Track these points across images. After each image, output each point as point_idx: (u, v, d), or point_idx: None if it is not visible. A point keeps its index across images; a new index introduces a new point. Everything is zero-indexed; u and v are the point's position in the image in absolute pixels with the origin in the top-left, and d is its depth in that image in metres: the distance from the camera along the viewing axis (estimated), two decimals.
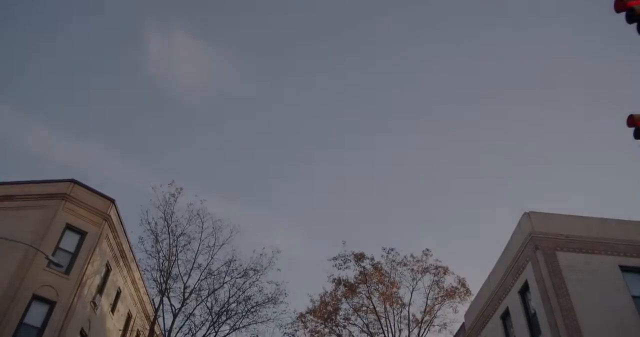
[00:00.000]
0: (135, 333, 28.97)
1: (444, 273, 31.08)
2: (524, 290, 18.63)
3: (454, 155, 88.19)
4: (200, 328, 27.59)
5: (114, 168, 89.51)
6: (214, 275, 28.01)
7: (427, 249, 31.82)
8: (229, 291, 28.27)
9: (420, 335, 30.18)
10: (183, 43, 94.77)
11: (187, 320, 27.29)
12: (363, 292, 31.17)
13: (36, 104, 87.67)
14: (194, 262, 27.63)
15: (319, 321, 31.11)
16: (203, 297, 27.73)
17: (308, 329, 31.15)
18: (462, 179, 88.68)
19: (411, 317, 30.55)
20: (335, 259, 31.88)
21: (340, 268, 31.75)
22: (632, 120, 9.80)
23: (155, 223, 27.16)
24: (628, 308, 15.91)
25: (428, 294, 30.72)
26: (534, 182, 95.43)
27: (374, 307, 30.58)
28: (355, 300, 31.34)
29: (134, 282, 27.53)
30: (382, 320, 30.38)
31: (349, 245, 48.13)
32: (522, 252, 18.59)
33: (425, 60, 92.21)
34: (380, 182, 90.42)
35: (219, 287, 28.05)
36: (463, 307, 29.11)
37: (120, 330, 26.81)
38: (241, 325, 28.24)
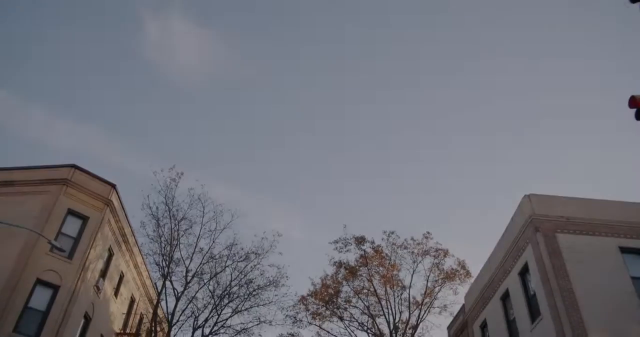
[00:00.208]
0: (138, 316, 29.29)
1: (444, 256, 31.26)
2: (524, 272, 18.78)
3: (453, 138, 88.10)
4: (202, 311, 27.92)
5: (114, 153, 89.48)
6: (216, 259, 28.22)
7: (428, 232, 31.96)
8: (231, 275, 28.54)
9: (421, 317, 30.50)
10: (181, 27, 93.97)
11: (189, 303, 27.59)
12: (364, 275, 31.40)
13: (35, 90, 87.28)
14: (195, 247, 27.83)
15: (320, 303, 31.39)
16: (205, 281, 27.99)
17: (309, 312, 31.46)
18: (462, 161, 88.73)
19: (412, 299, 30.84)
20: (336, 242, 32.05)
21: (341, 251, 31.95)
22: (634, 102, 9.76)
23: (157, 208, 27.27)
24: (627, 289, 16.04)
25: (428, 277, 30.96)
26: (534, 164, 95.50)
27: (375, 290, 30.83)
28: (356, 283, 31.59)
29: (136, 266, 27.73)
30: (383, 302, 30.66)
31: (350, 229, 48.46)
32: (522, 234, 18.69)
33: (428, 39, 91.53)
34: (379, 166, 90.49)
35: (221, 271, 28.28)
36: (463, 289, 29.38)
37: (123, 313, 27.09)
38: (243, 308, 28.58)
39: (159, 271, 26.92)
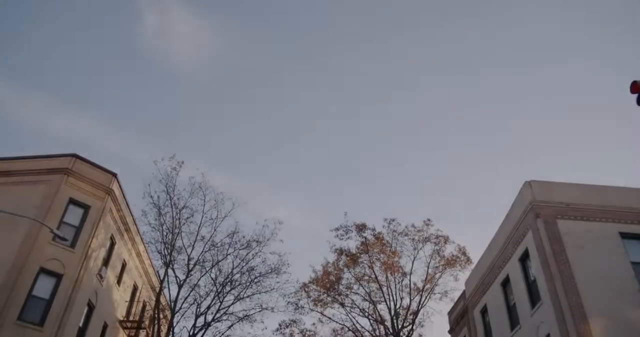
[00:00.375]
0: (141, 304, 29.50)
1: (445, 242, 31.35)
2: (524, 257, 18.88)
3: (454, 122, 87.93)
4: (205, 299, 28.08)
5: (114, 143, 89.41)
6: (218, 247, 28.30)
7: (428, 219, 32.00)
8: (233, 262, 28.65)
9: (422, 303, 30.69)
10: (180, 15, 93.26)
11: (192, 291, 27.74)
12: (365, 262, 31.52)
13: (34, 78, 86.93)
14: (197, 235, 27.89)
15: (321, 290, 31.57)
16: (207, 269, 28.12)
17: (311, 298, 31.65)
18: (462, 146, 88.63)
19: (412, 285, 30.99)
20: (337, 229, 32.12)
21: (342, 239, 32.03)
22: (635, 87, 9.73)
23: (158, 197, 27.27)
24: (627, 274, 16.15)
25: (429, 263, 31.07)
26: (535, 150, 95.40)
27: (376, 277, 30.98)
28: (357, 269, 31.72)
29: (138, 254, 27.87)
30: (384, 289, 30.84)
31: (351, 216, 48.49)
32: (522, 220, 18.75)
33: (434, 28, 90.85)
34: (379, 153, 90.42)
35: (223, 259, 28.40)
36: (464, 276, 29.52)
37: (126, 301, 27.28)
38: (245, 295, 28.73)
39: (161, 259, 27.05)
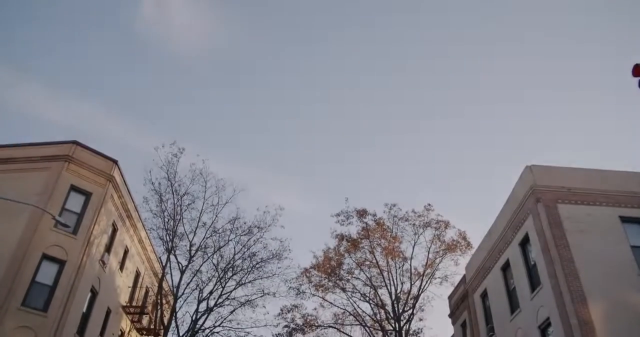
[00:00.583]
0: (144, 290, 29.72)
1: (445, 227, 31.40)
2: (525, 242, 18.95)
3: (454, 108, 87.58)
4: (207, 284, 28.26)
5: (114, 130, 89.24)
6: (219, 233, 28.40)
7: (429, 204, 32.03)
8: (234, 248, 28.77)
9: (422, 287, 30.86)
10: (180, 1, 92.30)
11: (194, 276, 27.91)
12: (366, 247, 31.63)
13: (33, 66, 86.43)
14: (198, 221, 27.98)
15: (323, 275, 31.73)
16: (209, 255, 28.25)
17: (312, 284, 31.82)
18: (462, 132, 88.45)
19: (413, 270, 31.14)
20: (338, 215, 32.17)
21: (343, 224, 32.10)
22: (638, 71, 9.66)
23: (159, 183, 27.30)
24: (627, 258, 16.23)
25: (429, 248, 31.18)
26: (535, 135, 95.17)
27: (377, 262, 31.12)
28: (358, 255, 31.85)
29: (140, 241, 28.00)
30: (385, 273, 31.00)
31: (352, 202, 48.66)
32: (523, 205, 18.78)
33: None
34: (380, 138, 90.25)
35: (224, 245, 28.52)
36: (464, 260, 29.65)
37: (129, 287, 27.49)
38: (247, 280, 28.91)
39: (163, 245, 27.19)
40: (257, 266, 28.96)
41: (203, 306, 27.56)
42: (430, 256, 31.09)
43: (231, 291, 28.56)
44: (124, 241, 26.01)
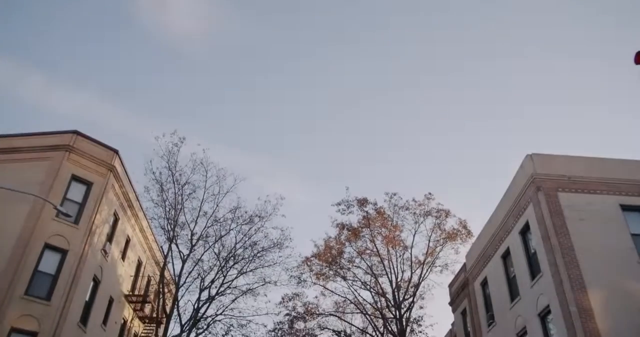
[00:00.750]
0: (146, 279, 29.90)
1: (446, 216, 31.44)
2: (525, 230, 19.02)
3: (455, 95, 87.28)
4: (208, 273, 28.41)
5: (114, 119, 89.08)
6: (220, 222, 28.48)
7: (430, 193, 32.01)
8: (235, 237, 28.87)
9: (422, 276, 31.00)
10: None
11: (195, 265, 28.04)
12: (366, 236, 31.71)
13: (32, 55, 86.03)
14: (199, 210, 28.04)
15: (324, 264, 31.85)
16: (210, 244, 28.35)
17: (313, 272, 31.96)
18: (463, 118, 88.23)
19: (414, 259, 31.24)
20: (338, 204, 32.20)
21: (344, 213, 32.15)
22: (639, 58, 9.62)
23: (160, 173, 27.31)
24: (627, 245, 16.28)
25: (430, 237, 31.24)
26: (536, 124, 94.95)
27: (377, 250, 31.22)
28: (359, 243, 31.94)
29: (142, 230, 28.10)
30: (385, 262, 31.12)
31: (352, 191, 48.72)
32: (524, 193, 18.81)
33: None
34: (379, 127, 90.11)
35: (226, 234, 28.61)
36: (464, 249, 29.76)
37: (131, 276, 27.65)
38: (248, 269, 29.06)
39: (165, 234, 27.28)
40: (258, 254, 29.13)
41: (205, 294, 27.77)
42: (431, 244, 31.19)
43: (233, 280, 28.77)
44: (126, 230, 26.10)
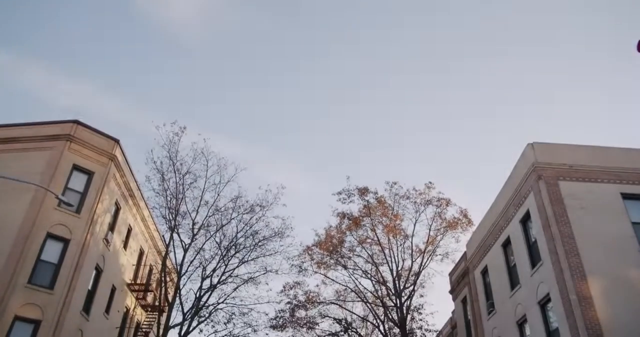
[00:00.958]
0: (148, 268, 30.05)
1: (447, 205, 31.45)
2: (526, 219, 19.06)
3: (457, 81, 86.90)
4: (210, 262, 28.52)
5: (114, 109, 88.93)
6: (221, 211, 28.54)
7: (430, 182, 32.00)
8: (237, 226, 28.94)
9: (423, 264, 31.11)
10: None
11: (197, 254, 28.14)
12: (367, 225, 31.76)
13: (33, 47, 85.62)
14: (201, 200, 28.09)
15: (324, 253, 31.96)
16: (212, 233, 28.43)
17: (314, 261, 32.08)
18: (464, 105, 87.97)
19: (414, 247, 31.32)
20: (339, 193, 32.19)
21: (345, 202, 32.16)
22: None
23: (161, 162, 27.32)
24: (627, 234, 16.31)
25: (431, 226, 31.28)
26: (536, 113, 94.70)
27: (378, 239, 31.30)
28: (360, 232, 32.00)
29: (143, 219, 28.20)
30: (386, 251, 31.22)
31: (353, 180, 48.77)
32: (525, 182, 18.82)
33: None
34: (379, 121, 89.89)
35: (227, 223, 28.67)
36: (465, 237, 29.83)
37: (133, 265, 27.80)
38: (250, 258, 29.18)
39: (166, 223, 27.35)
40: (260, 243, 29.22)
41: (207, 283, 27.91)
42: (432, 233, 31.24)
43: (234, 269, 28.88)
44: (127, 219, 26.19)
